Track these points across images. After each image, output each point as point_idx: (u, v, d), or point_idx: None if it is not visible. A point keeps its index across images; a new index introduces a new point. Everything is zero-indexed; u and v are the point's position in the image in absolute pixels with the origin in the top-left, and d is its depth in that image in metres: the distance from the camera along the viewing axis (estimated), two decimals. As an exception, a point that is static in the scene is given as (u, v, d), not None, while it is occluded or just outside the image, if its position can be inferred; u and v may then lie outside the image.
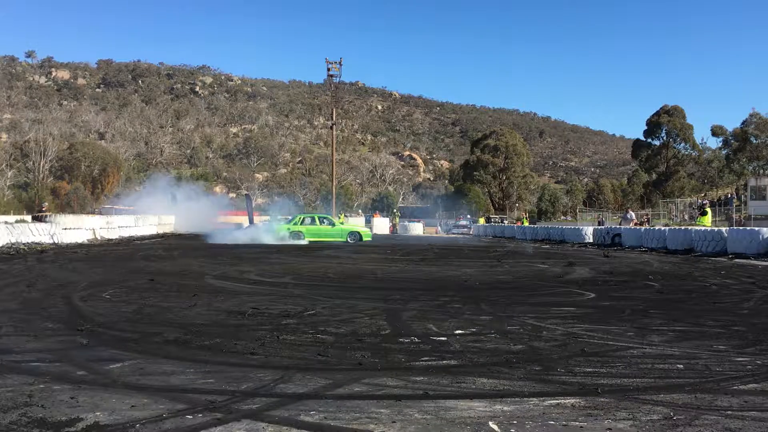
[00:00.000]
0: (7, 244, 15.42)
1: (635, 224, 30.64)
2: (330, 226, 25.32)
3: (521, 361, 3.93)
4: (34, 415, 2.72)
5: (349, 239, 24.55)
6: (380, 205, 70.69)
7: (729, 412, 2.88)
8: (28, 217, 23.05)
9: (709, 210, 23.89)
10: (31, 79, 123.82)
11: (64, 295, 6.97)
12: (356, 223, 39.48)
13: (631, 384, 3.39)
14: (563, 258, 15.24)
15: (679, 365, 3.88)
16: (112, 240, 21.94)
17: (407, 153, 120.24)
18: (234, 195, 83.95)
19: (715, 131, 56.18)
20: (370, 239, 25.57)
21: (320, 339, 4.60)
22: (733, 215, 32.26)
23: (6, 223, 17.77)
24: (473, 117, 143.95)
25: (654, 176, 62.26)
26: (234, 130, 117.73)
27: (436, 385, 3.35)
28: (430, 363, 3.88)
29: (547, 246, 23.93)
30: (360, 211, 62.44)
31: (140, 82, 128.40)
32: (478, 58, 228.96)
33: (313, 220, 25.48)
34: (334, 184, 44.72)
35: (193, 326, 5.04)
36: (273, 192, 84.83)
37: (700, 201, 37.82)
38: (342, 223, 30.67)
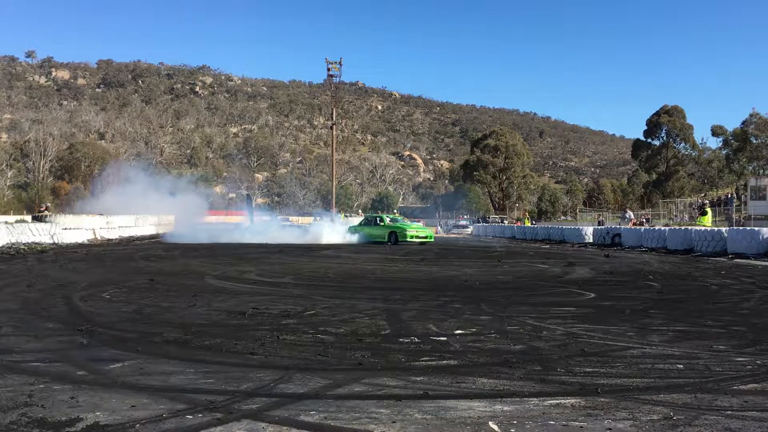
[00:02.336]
0: (7, 244, 15.42)
1: (633, 224, 30.71)
2: (375, 226, 24.46)
3: (521, 361, 3.93)
4: (34, 415, 2.72)
5: (389, 240, 22.85)
6: (380, 205, 70.81)
7: (729, 412, 2.88)
8: (28, 217, 23.08)
9: (709, 210, 23.89)
10: (31, 79, 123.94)
11: (64, 295, 6.97)
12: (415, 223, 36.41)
13: (631, 384, 3.39)
14: (563, 258, 15.24)
15: (679, 365, 3.88)
16: (112, 240, 21.94)
17: (407, 153, 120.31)
18: (234, 195, 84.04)
19: (715, 131, 56.21)
20: (430, 241, 23.21)
21: (320, 339, 4.59)
22: (733, 215, 32.26)
23: (6, 223, 17.78)
24: (473, 117, 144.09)
25: (654, 176, 62.34)
26: (234, 130, 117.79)
27: (436, 385, 3.34)
28: (430, 363, 3.87)
29: (547, 246, 23.92)
30: (360, 211, 62.44)
31: (140, 82, 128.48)
32: (478, 58, 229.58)
33: (371, 220, 25.55)
34: (334, 184, 44.68)
35: (193, 326, 5.03)
36: (273, 192, 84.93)
37: (700, 201, 37.86)
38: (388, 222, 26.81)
